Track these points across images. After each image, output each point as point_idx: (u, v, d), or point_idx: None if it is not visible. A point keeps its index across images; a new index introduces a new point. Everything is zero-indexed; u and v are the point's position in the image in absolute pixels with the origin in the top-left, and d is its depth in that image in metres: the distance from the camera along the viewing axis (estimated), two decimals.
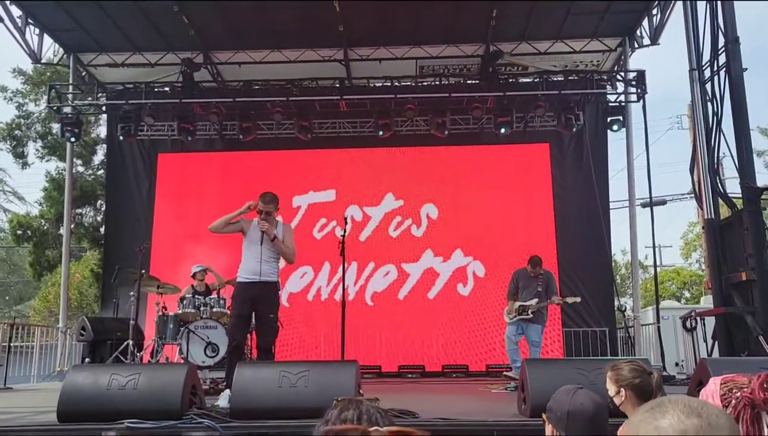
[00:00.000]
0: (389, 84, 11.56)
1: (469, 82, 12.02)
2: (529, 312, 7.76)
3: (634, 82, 10.96)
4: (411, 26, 10.68)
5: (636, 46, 11.09)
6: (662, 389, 2.80)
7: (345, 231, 6.34)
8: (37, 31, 11.07)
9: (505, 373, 8.04)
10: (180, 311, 7.72)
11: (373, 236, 11.56)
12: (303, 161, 11.99)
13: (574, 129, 11.23)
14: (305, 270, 11.42)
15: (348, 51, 11.27)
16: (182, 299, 7.86)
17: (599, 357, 9.87)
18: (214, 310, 7.66)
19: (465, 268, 11.38)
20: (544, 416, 2.46)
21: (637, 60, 11.35)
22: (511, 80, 11.78)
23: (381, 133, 11.25)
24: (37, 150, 17.37)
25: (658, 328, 10.05)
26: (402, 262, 11.48)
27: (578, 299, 8.45)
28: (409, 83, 11.83)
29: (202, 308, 7.65)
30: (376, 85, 11.93)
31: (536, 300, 7.77)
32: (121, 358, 7.81)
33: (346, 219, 6.64)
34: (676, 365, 10.76)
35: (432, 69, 11.80)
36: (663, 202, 20.99)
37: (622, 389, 2.78)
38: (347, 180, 11.84)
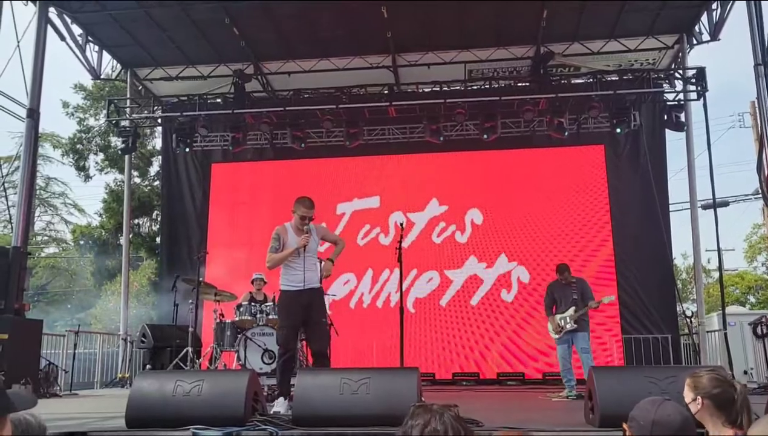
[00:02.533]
0: (438, 89, 11.49)
1: (519, 84, 11.85)
2: (572, 323, 7.60)
3: (693, 80, 10.59)
4: (459, 30, 10.60)
5: (695, 42, 10.72)
6: (747, 403, 2.64)
7: (402, 237, 6.29)
8: (96, 48, 11.46)
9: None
10: (237, 318, 7.83)
11: (416, 242, 11.47)
12: (351, 168, 12.04)
13: (629, 130, 10.95)
14: (348, 277, 11.40)
15: (396, 57, 11.28)
16: (239, 306, 7.96)
17: (672, 365, 9.50)
18: (270, 317, 7.73)
19: (509, 273, 11.20)
20: (624, 425, 2.34)
21: (694, 56, 10.94)
22: (563, 81, 11.57)
23: (441, 138, 11.22)
24: (97, 163, 17.98)
25: (725, 334, 9.62)
26: (445, 268, 11.37)
27: (612, 297, 8.91)
28: (458, 87, 11.73)
29: (258, 315, 7.73)
30: (425, 90, 11.89)
31: (573, 308, 7.62)
32: (181, 365, 7.95)
33: (402, 225, 6.58)
34: (745, 373, 10.31)
35: (481, 72, 11.70)
36: (725, 204, 20.19)
37: (699, 398, 2.64)
38: (392, 186, 11.82)
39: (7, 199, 10.06)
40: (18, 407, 1.77)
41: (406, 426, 1.63)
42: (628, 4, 9.84)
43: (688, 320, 10.27)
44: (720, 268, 11.09)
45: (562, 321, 7.66)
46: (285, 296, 5.53)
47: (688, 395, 2.68)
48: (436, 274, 11.37)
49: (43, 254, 30.51)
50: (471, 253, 11.38)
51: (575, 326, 7.57)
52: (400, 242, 6.19)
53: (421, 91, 11.94)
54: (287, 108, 11.29)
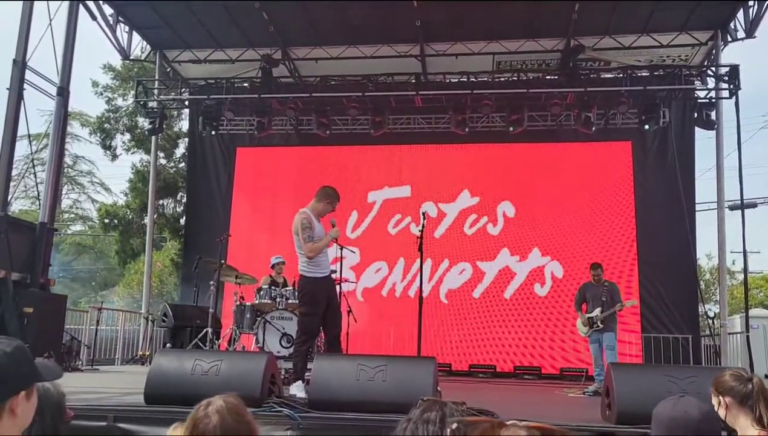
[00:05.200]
0: (465, 80, 11.40)
1: (548, 77, 11.71)
2: (599, 323, 7.78)
3: (726, 78, 10.37)
4: (489, 21, 10.50)
5: (729, 39, 10.50)
6: (765, 392, 2.60)
7: (422, 226, 6.27)
8: (126, 28, 11.56)
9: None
10: (257, 302, 7.88)
11: (447, 233, 11.48)
12: (378, 156, 12.05)
13: (657, 126, 10.80)
14: (380, 266, 11.44)
15: (424, 46, 11.20)
16: (259, 289, 8.01)
17: (693, 365, 9.41)
18: (290, 301, 7.76)
19: (542, 268, 11.14)
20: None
21: (727, 53, 10.73)
22: (592, 75, 11.41)
23: (466, 129, 11.16)
24: (123, 143, 18.20)
25: (747, 337, 9.49)
26: (477, 260, 11.33)
27: (635, 302, 9.28)
28: (485, 79, 11.63)
29: (278, 299, 7.77)
30: (452, 80, 11.81)
31: (600, 309, 7.79)
32: (200, 345, 8.04)
33: (424, 215, 6.56)
34: (766, 377, 10.15)
35: (510, 64, 11.59)
36: (753, 205, 19.84)
37: (721, 397, 2.62)
38: (423, 176, 11.79)
39: (35, 176, 10.21)
40: (45, 377, 1.81)
41: (409, 413, 1.65)
42: None
43: (710, 321, 10.13)
44: (745, 270, 10.90)
45: (591, 321, 7.85)
46: (313, 282, 5.44)
47: (713, 400, 2.66)
48: (469, 265, 11.35)
49: (69, 232, 31.09)
50: (503, 245, 11.34)
51: (601, 326, 7.76)
52: (422, 231, 6.17)
53: (448, 81, 11.86)
54: (313, 94, 11.30)
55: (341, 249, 8.13)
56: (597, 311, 7.78)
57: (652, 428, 2.25)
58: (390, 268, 11.48)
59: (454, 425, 1.49)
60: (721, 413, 2.61)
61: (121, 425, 3.99)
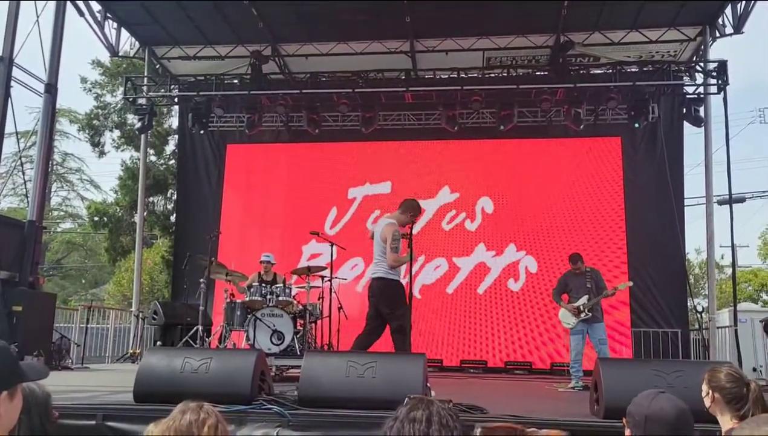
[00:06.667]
0: (456, 76, 11.41)
1: (537, 73, 11.75)
2: (587, 311, 7.44)
3: (714, 74, 10.44)
4: (479, 17, 10.51)
5: (717, 35, 10.57)
6: (762, 400, 2.66)
7: (413, 223, 6.31)
8: (114, 25, 11.50)
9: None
10: (247, 299, 7.86)
11: (425, 229, 11.46)
12: (365, 153, 12.03)
13: (646, 122, 10.86)
14: (356, 262, 11.38)
15: (414, 42, 11.20)
16: (249, 286, 8.00)
17: (680, 360, 9.47)
18: (280, 298, 7.75)
19: (517, 263, 11.18)
20: (624, 420, 2.36)
21: (716, 49, 10.79)
22: (582, 71, 11.46)
23: (456, 127, 11.17)
24: (113, 140, 18.09)
25: (735, 331, 9.58)
26: (453, 256, 11.37)
27: (630, 283, 8.80)
28: (476, 75, 11.66)
29: (268, 297, 7.75)
30: (443, 76, 11.81)
31: (587, 297, 7.47)
32: (191, 342, 8.03)
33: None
34: (754, 370, 10.28)
35: (500, 60, 11.61)
36: (741, 200, 20.00)
37: (711, 391, 2.73)
38: (405, 172, 11.78)
39: (23, 174, 10.15)
40: (30, 377, 1.81)
41: (396, 412, 1.66)
42: None
43: (699, 315, 10.21)
44: (733, 264, 11.03)
45: (577, 311, 7.47)
46: (401, 284, 6.39)
47: (703, 388, 2.79)
48: (444, 261, 11.37)
49: (59, 230, 30.91)
50: (480, 241, 11.36)
51: (590, 314, 7.43)
52: (412, 227, 6.20)
53: (438, 77, 11.88)
54: (303, 91, 11.28)
55: (332, 246, 8.16)
56: (584, 299, 7.44)
57: (628, 424, 2.28)
58: (366, 264, 11.46)
59: (479, 431, 1.51)
60: (707, 402, 2.76)
61: (110, 423, 3.97)
